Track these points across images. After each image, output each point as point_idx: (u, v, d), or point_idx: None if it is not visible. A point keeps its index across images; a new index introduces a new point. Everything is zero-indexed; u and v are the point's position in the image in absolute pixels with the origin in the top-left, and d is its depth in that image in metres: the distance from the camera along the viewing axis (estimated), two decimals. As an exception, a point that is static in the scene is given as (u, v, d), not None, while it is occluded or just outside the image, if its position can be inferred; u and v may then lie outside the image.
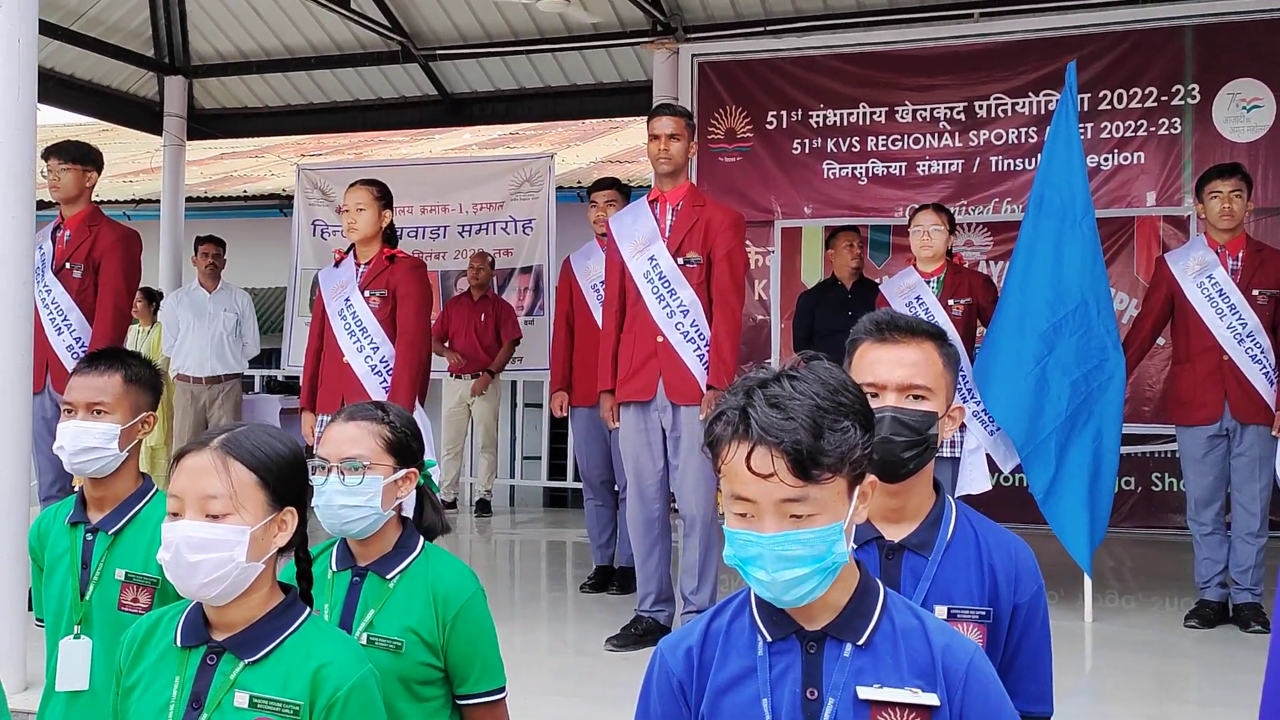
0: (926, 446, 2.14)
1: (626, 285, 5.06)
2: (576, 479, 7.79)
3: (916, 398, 2.15)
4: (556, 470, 10.98)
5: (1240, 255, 5.44)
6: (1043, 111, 7.78)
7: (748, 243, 8.32)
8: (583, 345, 6.18)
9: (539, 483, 11.06)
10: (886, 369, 2.17)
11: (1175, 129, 7.65)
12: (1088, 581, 5.60)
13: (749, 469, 1.58)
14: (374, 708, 1.96)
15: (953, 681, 1.65)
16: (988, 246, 7.96)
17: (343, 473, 2.41)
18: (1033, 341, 5.43)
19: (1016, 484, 7.16)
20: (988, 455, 5.70)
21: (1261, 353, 5.33)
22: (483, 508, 9.37)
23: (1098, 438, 5.44)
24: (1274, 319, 5.41)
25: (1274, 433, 5.32)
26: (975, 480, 5.61)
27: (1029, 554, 2.19)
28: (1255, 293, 5.37)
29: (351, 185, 5.35)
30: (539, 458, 11.11)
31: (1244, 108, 7.47)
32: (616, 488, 6.28)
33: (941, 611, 2.09)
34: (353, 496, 2.40)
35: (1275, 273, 5.40)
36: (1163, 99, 7.64)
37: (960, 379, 5.61)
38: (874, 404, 2.12)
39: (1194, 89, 7.59)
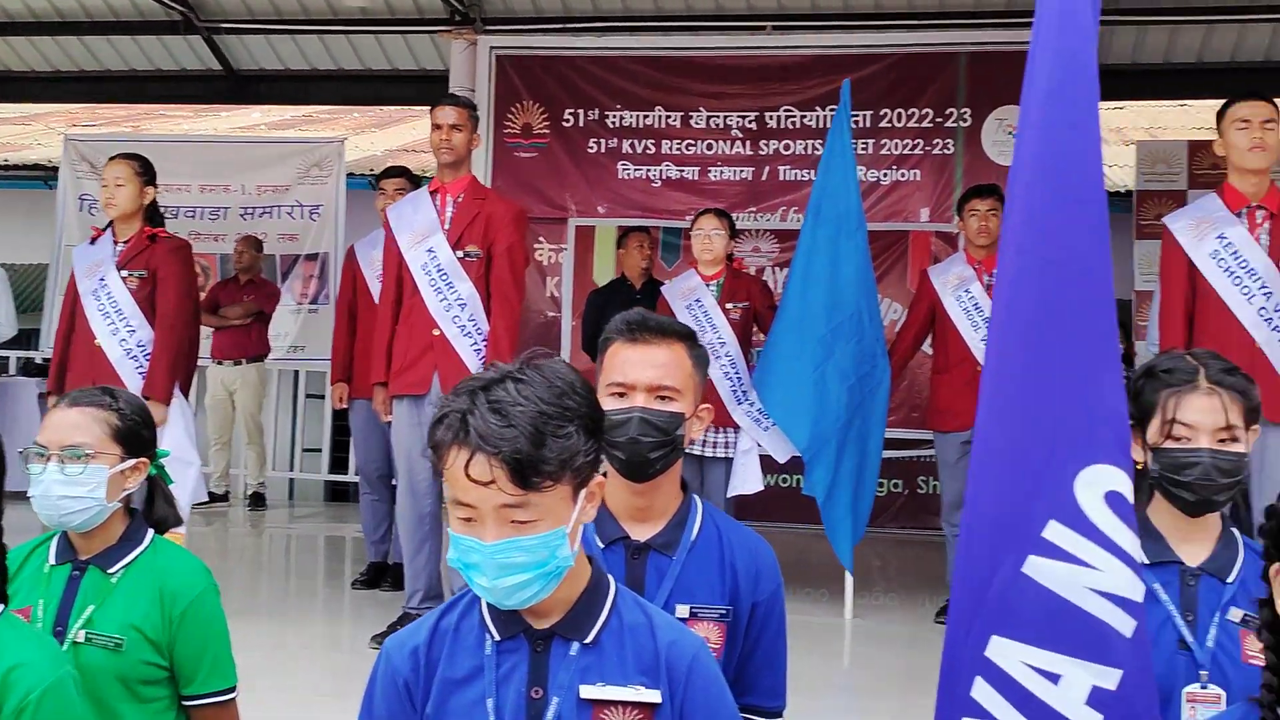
0: (674, 447, 2.16)
1: (404, 276, 4.98)
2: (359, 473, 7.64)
3: (665, 398, 2.16)
4: (339, 464, 10.72)
5: (995, 271, 5.66)
6: (828, 126, 7.99)
7: (540, 239, 8.38)
8: (365, 336, 6.06)
9: (319, 476, 10.78)
10: (636, 369, 2.17)
11: (948, 149, 7.97)
12: (849, 579, 5.80)
13: (468, 476, 1.55)
14: (69, 714, 1.84)
15: (675, 678, 1.66)
16: (775, 253, 8.13)
17: (63, 461, 2.29)
18: (811, 347, 5.59)
19: (793, 485, 7.35)
20: (762, 456, 5.84)
21: None
22: (256, 501, 9.09)
23: (863, 441, 5.66)
24: None
25: None
26: (748, 481, 5.75)
27: (770, 553, 2.24)
28: None
29: (111, 159, 5.11)
30: (320, 450, 10.82)
31: (1009, 133, 7.85)
32: (394, 482, 6.18)
33: (684, 610, 2.12)
34: (73, 487, 2.27)
35: None
36: (937, 120, 7.95)
37: (736, 381, 5.73)
38: (622, 404, 2.17)
39: (965, 113, 7.92)
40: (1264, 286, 4.41)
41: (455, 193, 4.98)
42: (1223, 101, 4.61)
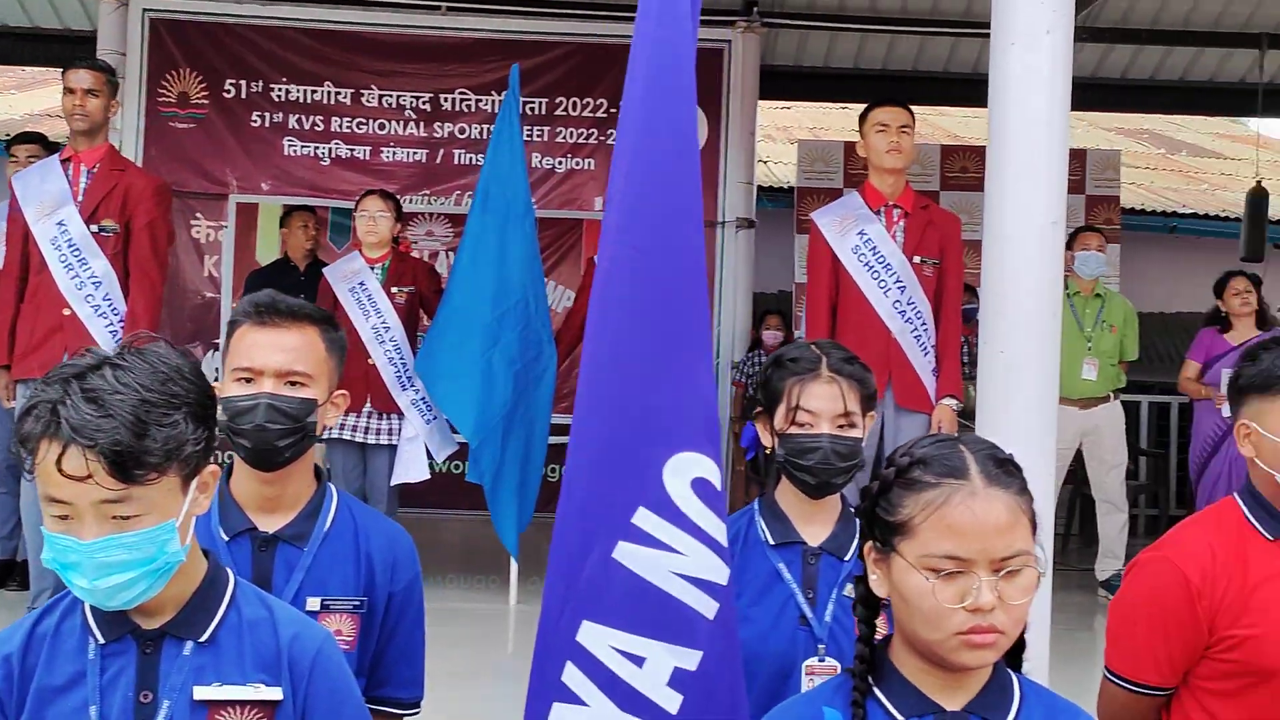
0: (304, 435, 2.09)
1: (30, 251, 4.59)
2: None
3: (295, 384, 2.09)
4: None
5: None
6: (501, 110, 7.99)
7: (199, 216, 7.94)
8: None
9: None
10: (264, 354, 2.08)
11: (623, 139, 8.11)
12: (514, 565, 5.80)
13: (61, 472, 1.44)
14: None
15: (298, 673, 1.61)
16: (449, 238, 8.04)
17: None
18: (477, 333, 5.54)
19: (458, 471, 7.27)
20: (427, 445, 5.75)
21: None
22: None
23: (529, 427, 5.66)
24: None
25: None
26: (413, 469, 5.64)
27: (408, 542, 2.21)
28: None
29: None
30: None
31: (681, 125, 8.05)
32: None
33: (315, 603, 2.07)
34: None
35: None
36: (612, 110, 8.06)
37: (401, 367, 5.60)
38: (249, 390, 2.07)
39: (637, 103, 8.07)
40: (899, 281, 4.66)
41: (90, 162, 4.65)
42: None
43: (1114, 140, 13.79)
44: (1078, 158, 9.16)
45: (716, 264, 8.11)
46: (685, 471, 1.78)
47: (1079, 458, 6.65)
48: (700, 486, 1.79)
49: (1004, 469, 1.58)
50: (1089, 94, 10.11)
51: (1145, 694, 2.32)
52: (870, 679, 1.60)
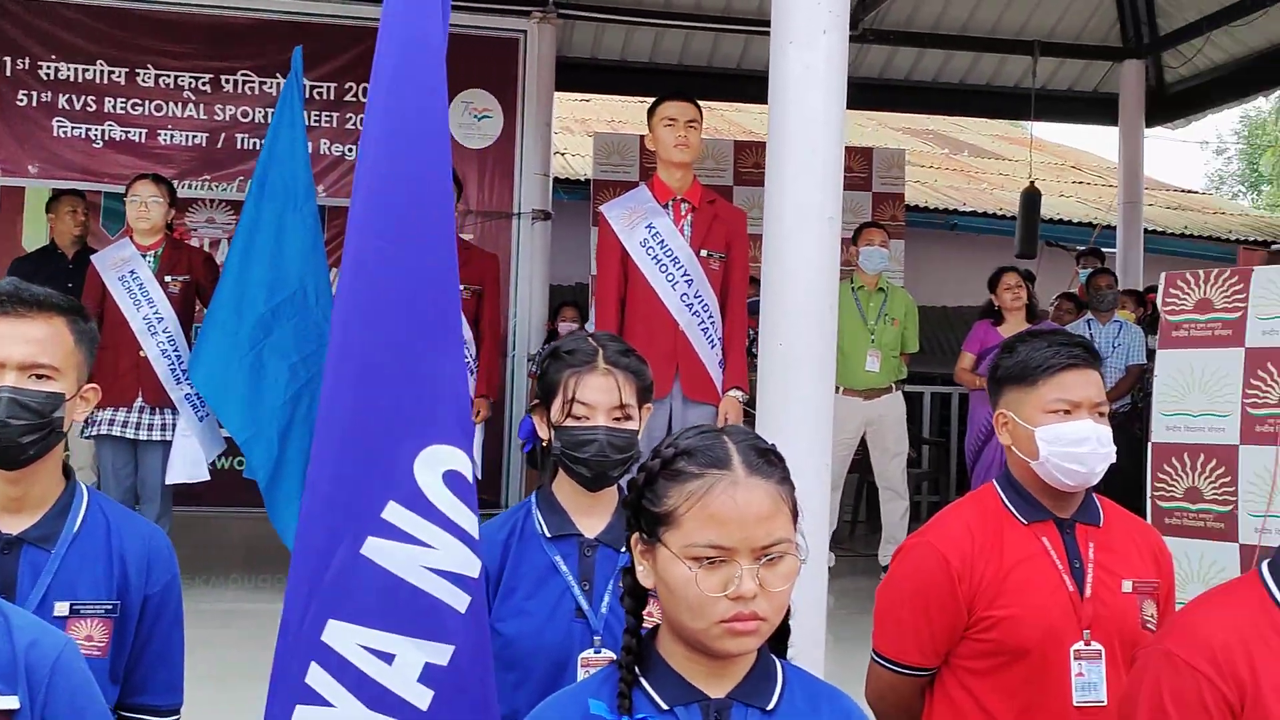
0: (51, 430, 1.99)
1: None
2: None
3: (41, 377, 1.98)
4: None
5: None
6: (289, 94, 7.74)
7: (-43, 200, 7.45)
8: None
9: None
10: (5, 345, 1.97)
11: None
12: (298, 565, 5.63)
13: None
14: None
15: (35, 682, 1.55)
16: (230, 225, 7.73)
17: None
18: (250, 326, 5.31)
19: (239, 468, 7.02)
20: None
21: None
22: None
23: (314, 422, 5.47)
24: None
25: None
26: (190, 468, 5.41)
27: (165, 543, 2.13)
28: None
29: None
30: None
31: (475, 116, 7.97)
32: None
33: (63, 608, 1.98)
34: None
35: None
36: (404, 97, 7.90)
37: (175, 360, 5.35)
38: None
39: (433, 93, 7.94)
40: (686, 274, 4.68)
41: None
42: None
43: (901, 140, 14.30)
44: (865, 156, 9.47)
45: (512, 256, 8.05)
46: (437, 465, 1.75)
47: (864, 446, 6.85)
48: (452, 479, 1.76)
49: (765, 459, 1.59)
50: (876, 94, 10.49)
51: (909, 674, 2.39)
52: (637, 669, 1.60)
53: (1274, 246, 11.09)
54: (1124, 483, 4.93)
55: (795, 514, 1.60)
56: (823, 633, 3.58)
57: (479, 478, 2.51)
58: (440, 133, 1.83)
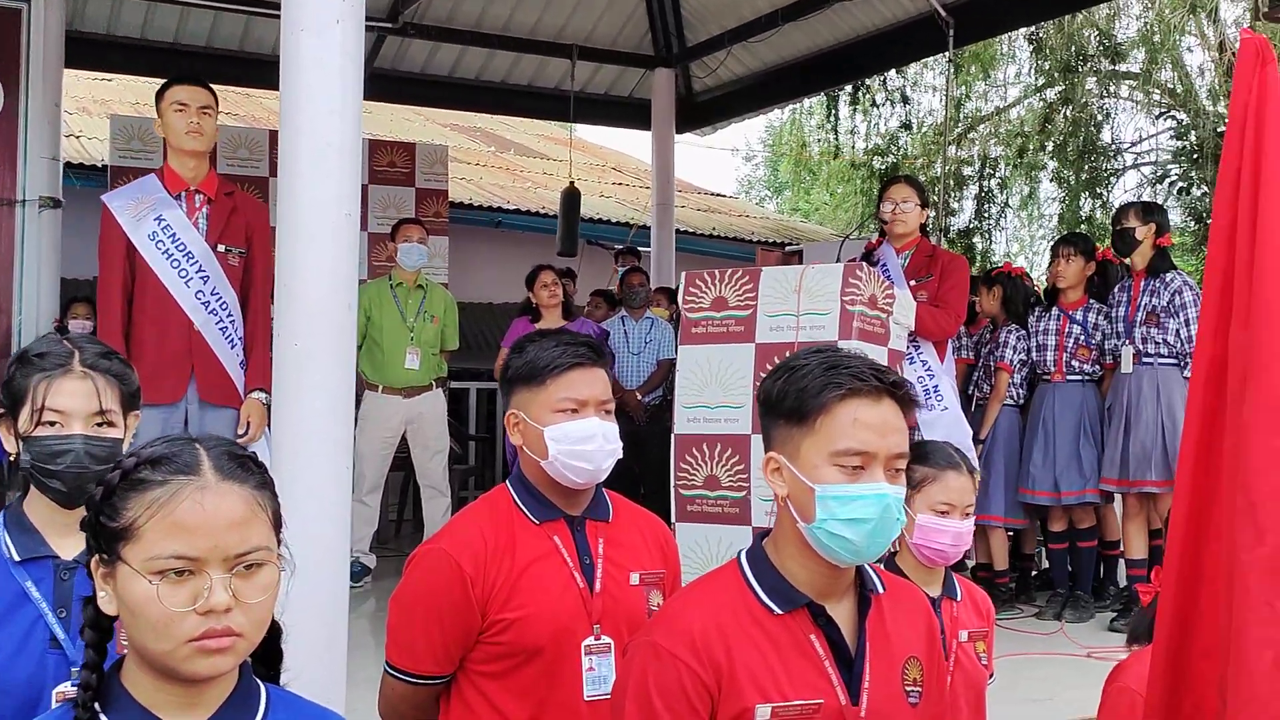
0: None
1: None
2: None
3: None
4: None
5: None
6: None
7: None
8: None
9: None
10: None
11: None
12: None
13: None
14: None
15: None
16: None
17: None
18: None
19: None
20: None
21: None
22: None
23: None
24: None
25: None
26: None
27: None
28: None
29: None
30: None
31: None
32: None
33: None
34: None
35: None
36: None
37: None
38: None
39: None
40: (201, 270, 4.42)
41: None
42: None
43: (448, 136, 14.33)
44: (408, 151, 9.37)
45: (16, 246, 7.28)
46: None
47: (407, 445, 6.77)
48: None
49: (240, 464, 1.49)
50: (419, 89, 10.44)
51: (424, 684, 2.35)
52: (98, 706, 1.45)
53: (788, 248, 12.06)
54: (660, 471, 5.15)
55: (278, 522, 1.50)
56: (344, 641, 3.45)
57: None
58: None
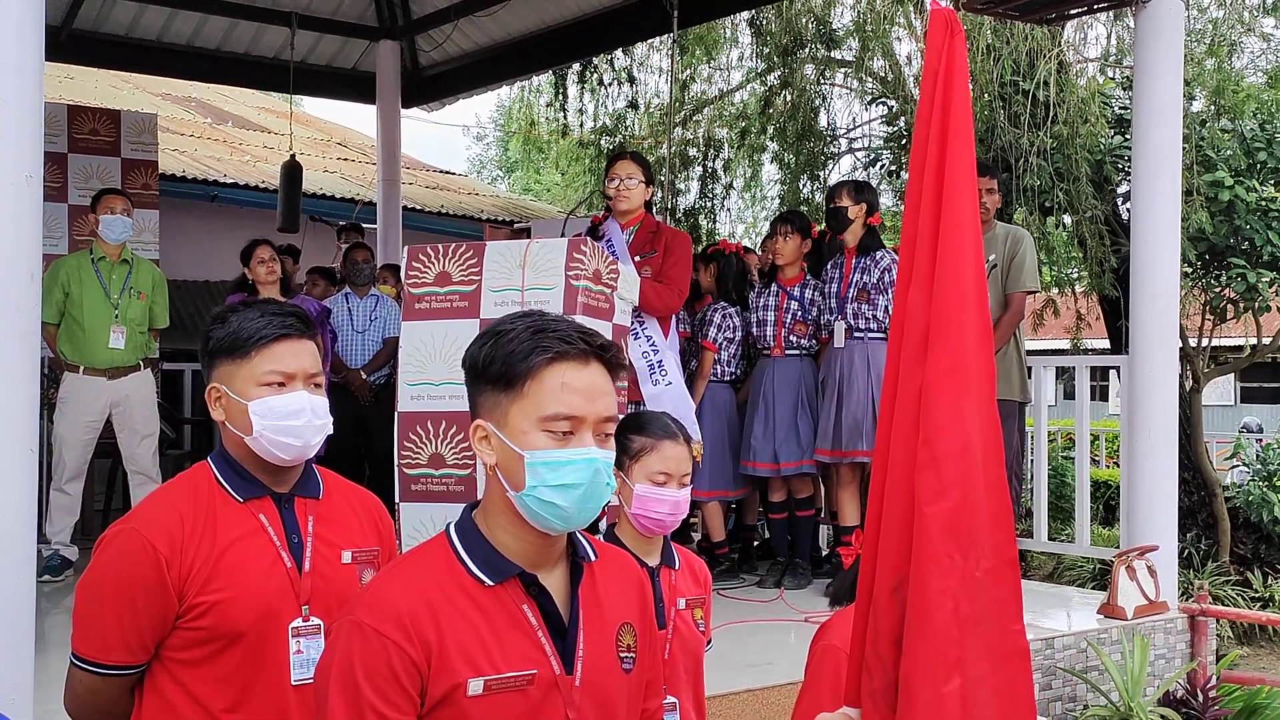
0: None
1: None
2: None
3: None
4: None
5: None
6: None
7: None
8: None
9: None
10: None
11: None
12: None
13: None
14: None
15: None
16: None
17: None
18: None
19: None
20: None
21: None
22: None
23: None
24: None
25: None
26: None
27: None
28: None
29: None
30: None
31: None
32: None
33: None
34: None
35: None
36: None
37: None
38: None
39: None
40: None
41: None
42: None
43: (159, 105, 13.59)
44: (112, 118, 8.81)
45: None
46: None
47: (112, 429, 6.36)
48: None
49: None
50: (124, 53, 9.83)
51: (115, 674, 2.20)
52: None
53: (516, 225, 12.03)
54: (386, 452, 5.02)
55: None
56: (30, 640, 3.20)
57: None
58: None
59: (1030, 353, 6.91)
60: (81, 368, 6.14)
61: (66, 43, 9.09)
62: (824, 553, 6.79)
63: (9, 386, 3.09)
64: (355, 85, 10.91)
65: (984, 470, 1.90)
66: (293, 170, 9.78)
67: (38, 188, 3.20)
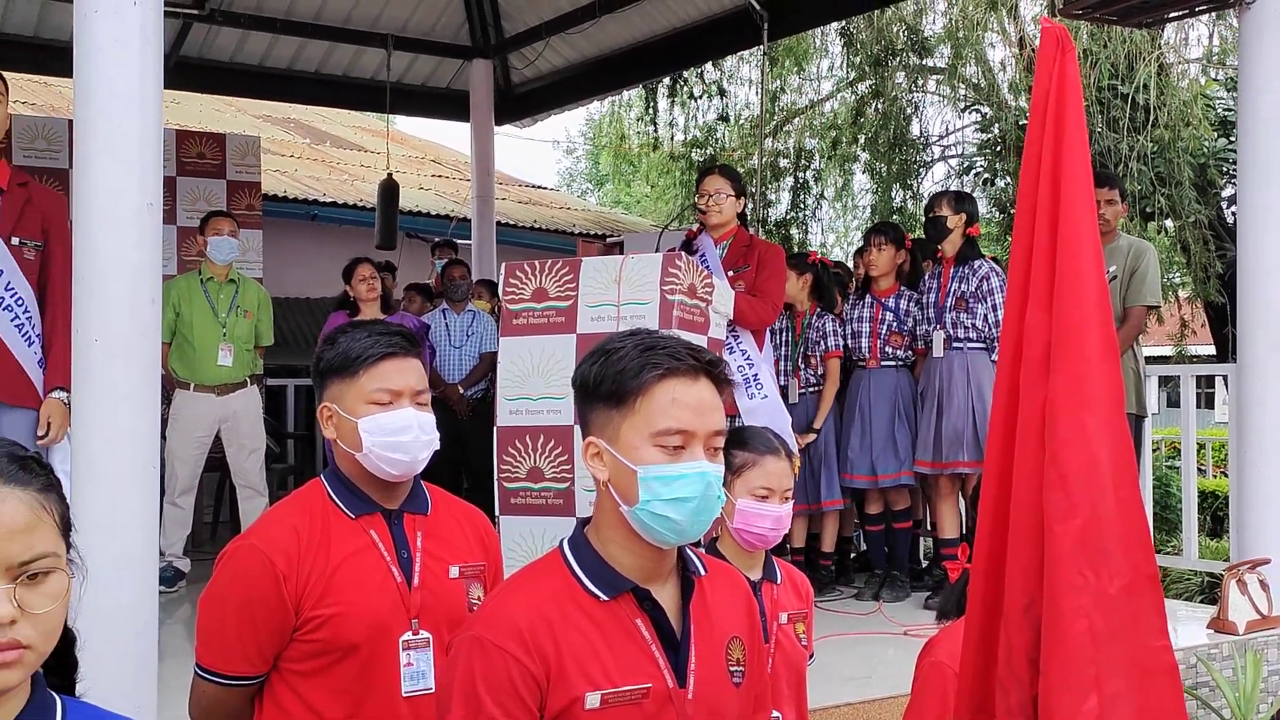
0: None
1: None
2: None
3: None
4: None
5: None
6: None
7: None
8: None
9: None
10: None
11: None
12: None
13: None
14: None
15: None
16: None
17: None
18: None
19: None
20: None
21: None
22: None
23: None
24: None
25: None
26: None
27: None
28: None
29: None
30: None
31: None
32: None
33: None
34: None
35: None
36: None
37: None
38: None
39: None
40: None
41: None
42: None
43: (260, 127, 13.92)
44: (217, 142, 9.06)
45: None
46: None
47: (221, 444, 6.54)
48: None
49: (21, 466, 1.39)
50: (228, 79, 10.10)
51: (236, 685, 2.27)
52: None
53: (609, 239, 12.10)
54: (483, 465, 5.10)
55: (66, 526, 1.42)
56: (154, 648, 3.31)
57: None
58: None
59: (1134, 361, 6.77)
60: (192, 385, 6.32)
61: (174, 70, 9.34)
62: (923, 565, 6.72)
63: (134, 409, 3.21)
64: (449, 104, 11.07)
65: (1114, 486, 1.89)
66: (390, 189, 9.96)
67: (158, 215, 3.32)
